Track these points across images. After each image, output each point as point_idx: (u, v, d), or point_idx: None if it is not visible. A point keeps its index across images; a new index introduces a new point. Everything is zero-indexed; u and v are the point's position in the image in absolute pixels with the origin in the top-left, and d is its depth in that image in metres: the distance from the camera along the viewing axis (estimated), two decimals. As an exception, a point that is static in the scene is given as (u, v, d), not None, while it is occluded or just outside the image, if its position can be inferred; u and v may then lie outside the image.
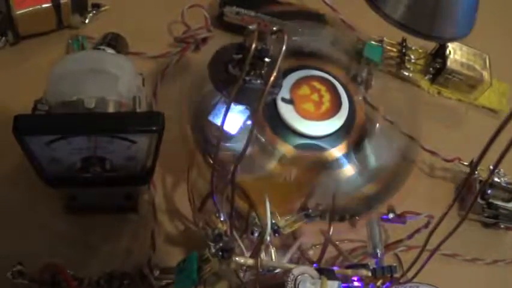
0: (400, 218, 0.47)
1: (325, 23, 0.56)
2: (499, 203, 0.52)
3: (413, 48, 0.60)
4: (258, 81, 0.36)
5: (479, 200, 0.51)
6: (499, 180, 0.52)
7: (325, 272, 0.35)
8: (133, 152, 0.38)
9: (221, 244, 0.35)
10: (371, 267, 0.39)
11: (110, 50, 0.45)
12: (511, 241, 0.53)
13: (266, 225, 0.38)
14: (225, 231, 0.36)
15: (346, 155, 0.45)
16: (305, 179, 0.44)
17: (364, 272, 0.39)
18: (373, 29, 0.58)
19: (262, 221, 0.39)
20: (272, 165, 0.43)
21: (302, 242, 0.45)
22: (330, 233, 0.43)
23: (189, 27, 0.54)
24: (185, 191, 0.45)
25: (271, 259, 0.39)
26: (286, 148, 0.44)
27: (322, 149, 0.44)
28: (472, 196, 0.51)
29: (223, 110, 0.34)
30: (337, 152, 0.45)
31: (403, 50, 0.59)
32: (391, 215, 0.46)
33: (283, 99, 0.44)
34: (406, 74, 0.59)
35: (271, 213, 0.39)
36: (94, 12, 0.55)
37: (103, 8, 0.55)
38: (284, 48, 0.31)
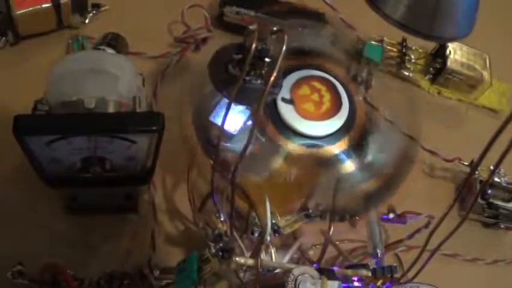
0: (401, 218, 0.47)
1: (325, 22, 0.56)
2: (499, 203, 0.52)
3: (413, 48, 0.60)
4: (258, 82, 0.36)
5: (479, 200, 0.51)
6: (499, 180, 0.52)
7: (326, 272, 0.35)
8: (133, 152, 0.38)
9: (221, 244, 0.35)
10: (371, 267, 0.39)
11: (110, 50, 0.45)
12: (511, 241, 0.53)
13: (266, 225, 0.38)
14: (225, 231, 0.36)
15: (347, 154, 0.45)
16: (305, 179, 0.44)
17: (364, 272, 0.39)
18: (373, 29, 0.58)
19: (263, 221, 0.39)
20: (278, 163, 0.43)
21: (302, 242, 0.45)
22: (330, 233, 0.43)
23: (189, 27, 0.54)
24: (185, 191, 0.45)
25: (272, 259, 0.39)
26: (291, 146, 0.44)
27: (324, 148, 0.44)
28: (472, 196, 0.51)
29: (223, 110, 0.34)
30: (337, 151, 0.45)
31: (403, 50, 0.59)
32: (391, 215, 0.47)
33: (284, 99, 0.44)
34: (406, 74, 0.59)
35: (271, 213, 0.39)
36: (94, 12, 0.55)
37: (103, 8, 0.55)
38: (284, 48, 0.31)
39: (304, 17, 0.54)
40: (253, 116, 0.39)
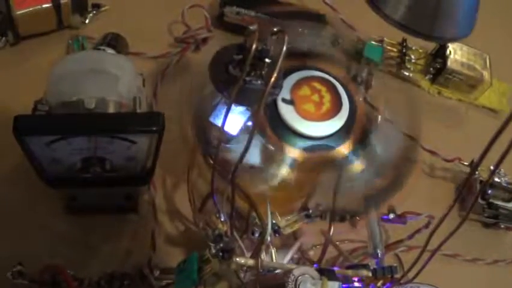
0: (401, 218, 0.47)
1: (325, 23, 0.56)
2: (499, 203, 0.52)
3: (413, 48, 0.60)
4: (259, 82, 0.36)
5: (479, 200, 0.51)
6: (499, 180, 0.52)
7: (326, 273, 0.34)
8: (133, 153, 0.38)
9: (221, 244, 0.35)
10: (371, 268, 0.39)
11: (110, 50, 0.45)
12: (511, 241, 0.53)
13: (266, 225, 0.38)
14: (225, 231, 0.36)
15: (347, 154, 0.45)
16: (305, 180, 0.44)
17: (365, 273, 0.39)
18: (373, 29, 0.58)
19: (263, 221, 0.39)
20: (278, 164, 0.43)
21: (302, 242, 0.45)
22: (331, 233, 0.43)
23: (189, 27, 0.54)
24: (185, 191, 0.45)
25: (272, 259, 0.39)
26: (291, 147, 0.44)
27: (325, 149, 0.44)
28: (472, 196, 0.51)
29: (223, 111, 0.34)
30: (338, 151, 0.45)
31: (404, 50, 0.59)
32: (391, 215, 0.47)
33: (284, 100, 0.44)
34: (407, 74, 0.59)
35: (271, 213, 0.39)
36: (94, 12, 0.55)
37: (103, 8, 0.55)
38: (285, 49, 0.31)
39: (305, 17, 0.54)
40: (253, 116, 0.39)
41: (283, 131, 0.44)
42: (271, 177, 0.43)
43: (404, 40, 0.59)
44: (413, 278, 0.37)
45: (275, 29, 0.33)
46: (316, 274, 0.34)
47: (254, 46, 0.33)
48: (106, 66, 0.39)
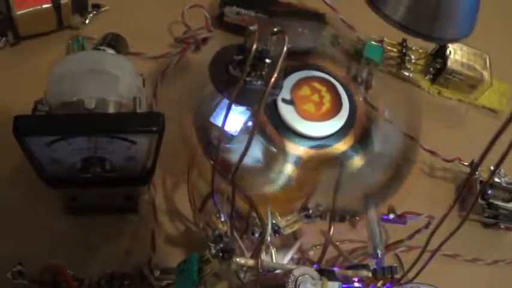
0: (401, 218, 0.47)
1: (325, 23, 0.56)
2: (499, 203, 0.52)
3: (413, 48, 0.60)
4: (259, 82, 0.36)
5: (479, 200, 0.51)
6: (499, 181, 0.52)
7: (326, 273, 0.34)
8: (133, 153, 0.38)
9: (221, 245, 0.35)
10: (371, 268, 0.39)
11: (110, 51, 0.45)
12: (511, 241, 0.53)
13: (266, 225, 0.38)
14: (225, 231, 0.36)
15: (347, 154, 0.45)
16: (306, 180, 0.44)
17: (365, 273, 0.39)
18: (373, 29, 0.58)
19: (263, 221, 0.39)
20: (278, 164, 0.43)
21: (302, 243, 0.45)
22: (331, 233, 0.43)
23: (189, 27, 0.54)
24: (185, 191, 0.45)
25: (272, 260, 0.39)
26: (291, 147, 0.43)
27: (325, 149, 0.44)
28: (472, 196, 0.51)
29: (224, 111, 0.34)
30: (338, 151, 0.45)
31: (404, 50, 0.59)
32: (391, 216, 0.47)
33: (284, 100, 0.44)
34: (407, 74, 0.59)
35: (271, 213, 0.39)
36: (94, 12, 0.55)
37: (103, 9, 0.55)
38: (285, 49, 0.31)
39: (305, 17, 0.54)
40: (253, 116, 0.39)
41: (283, 131, 0.44)
42: (271, 177, 0.43)
43: (404, 40, 0.59)
44: (414, 278, 0.37)
45: (275, 29, 0.33)
46: (316, 274, 0.34)
47: (254, 46, 0.33)
48: (106, 66, 0.39)
